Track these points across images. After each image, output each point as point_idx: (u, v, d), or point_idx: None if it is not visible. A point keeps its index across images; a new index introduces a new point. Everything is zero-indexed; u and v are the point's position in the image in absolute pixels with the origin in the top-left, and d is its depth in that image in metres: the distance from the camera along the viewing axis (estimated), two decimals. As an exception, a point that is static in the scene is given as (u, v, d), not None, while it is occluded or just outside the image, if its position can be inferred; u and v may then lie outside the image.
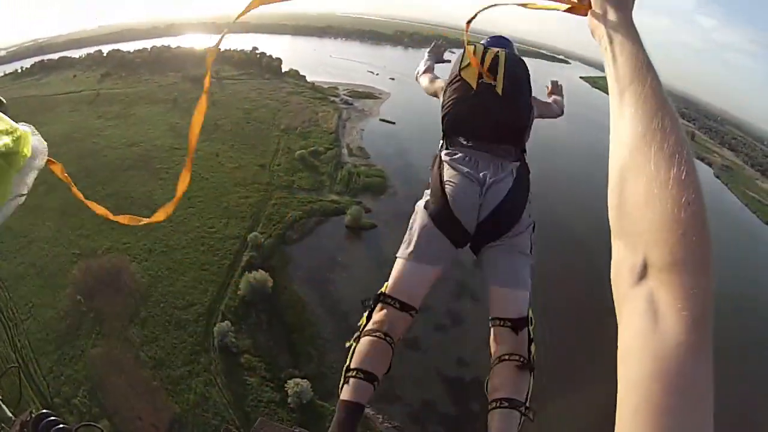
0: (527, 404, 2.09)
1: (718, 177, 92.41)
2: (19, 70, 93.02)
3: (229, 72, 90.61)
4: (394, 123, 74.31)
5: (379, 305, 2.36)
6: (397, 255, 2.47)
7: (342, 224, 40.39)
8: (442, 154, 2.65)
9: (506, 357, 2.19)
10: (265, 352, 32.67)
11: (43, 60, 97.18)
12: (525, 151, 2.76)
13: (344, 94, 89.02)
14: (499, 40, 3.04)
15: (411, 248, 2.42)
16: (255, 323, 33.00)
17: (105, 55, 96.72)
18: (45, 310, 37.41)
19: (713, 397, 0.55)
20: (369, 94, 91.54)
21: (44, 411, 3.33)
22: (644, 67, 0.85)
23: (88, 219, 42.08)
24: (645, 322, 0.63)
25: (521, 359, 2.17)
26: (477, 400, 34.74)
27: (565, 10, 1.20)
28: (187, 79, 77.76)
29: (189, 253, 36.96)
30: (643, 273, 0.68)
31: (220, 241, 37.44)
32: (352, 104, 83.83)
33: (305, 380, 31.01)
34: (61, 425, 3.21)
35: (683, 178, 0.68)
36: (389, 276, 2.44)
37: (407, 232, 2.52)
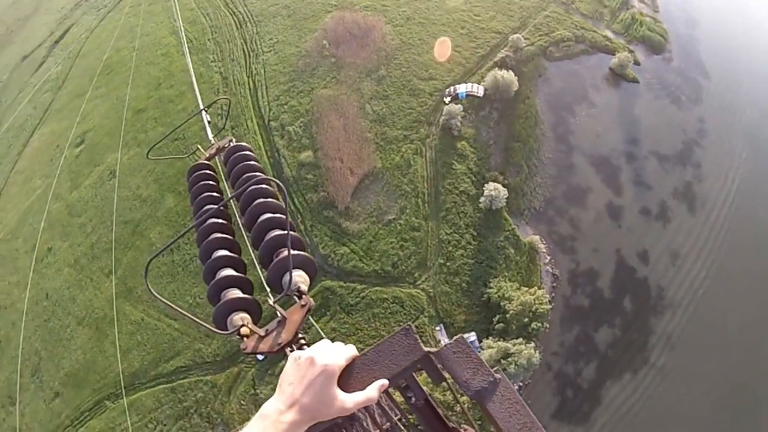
0: None
1: None
2: None
3: None
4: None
5: None
6: None
7: (606, 64, 36.36)
8: None
9: None
10: (482, 147, 33.54)
11: None
12: None
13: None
14: None
15: None
16: (485, 117, 33.53)
17: None
18: (288, 47, 41.43)
19: None
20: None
21: (243, 144, 3.35)
22: None
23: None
24: None
25: None
26: (634, 298, 33.27)
27: None
28: None
29: (446, 32, 37.09)
30: None
31: (482, 31, 36.63)
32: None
33: (505, 189, 31.59)
34: (252, 161, 3.10)
35: None
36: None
37: None
